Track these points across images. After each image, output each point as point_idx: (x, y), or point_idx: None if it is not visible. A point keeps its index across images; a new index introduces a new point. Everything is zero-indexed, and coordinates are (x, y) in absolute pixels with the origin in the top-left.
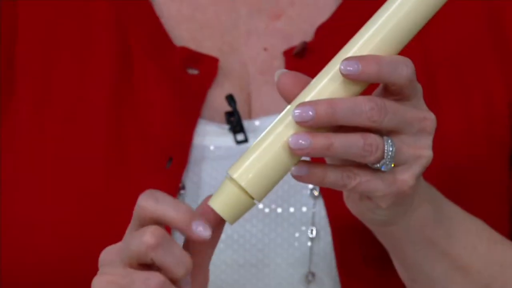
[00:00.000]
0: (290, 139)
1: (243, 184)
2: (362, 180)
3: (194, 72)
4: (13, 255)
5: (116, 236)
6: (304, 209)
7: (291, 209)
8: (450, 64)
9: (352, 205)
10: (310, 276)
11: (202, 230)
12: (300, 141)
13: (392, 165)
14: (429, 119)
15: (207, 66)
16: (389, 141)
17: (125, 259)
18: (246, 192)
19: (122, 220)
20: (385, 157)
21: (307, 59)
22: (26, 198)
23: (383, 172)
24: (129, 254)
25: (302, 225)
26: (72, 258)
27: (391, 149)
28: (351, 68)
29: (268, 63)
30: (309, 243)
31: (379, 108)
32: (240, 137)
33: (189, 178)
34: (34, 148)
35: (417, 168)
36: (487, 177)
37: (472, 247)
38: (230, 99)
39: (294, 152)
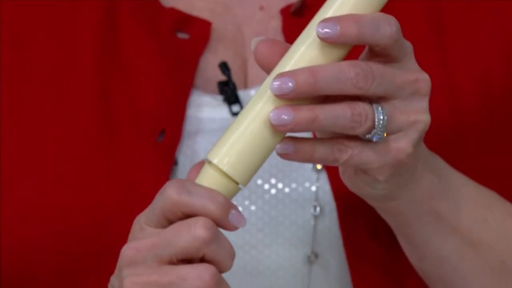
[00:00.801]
0: (271, 115)
1: (224, 168)
2: (354, 152)
3: (185, 36)
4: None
5: (107, 214)
6: (306, 184)
7: (293, 185)
8: (462, 16)
9: (349, 180)
10: (313, 257)
11: (238, 220)
12: (282, 116)
13: (385, 135)
14: (422, 80)
15: (199, 30)
16: (380, 108)
17: (164, 256)
18: (229, 177)
19: (111, 199)
20: (376, 126)
21: (306, 17)
22: (9, 178)
23: (376, 142)
24: (174, 250)
25: (305, 202)
26: (64, 238)
27: (382, 117)
28: (329, 30)
29: (265, 23)
30: (312, 221)
31: (365, 73)
32: (235, 108)
33: (183, 152)
34: (15, 125)
35: (413, 134)
36: (505, 140)
37: (483, 220)
38: (224, 67)
39: (276, 129)
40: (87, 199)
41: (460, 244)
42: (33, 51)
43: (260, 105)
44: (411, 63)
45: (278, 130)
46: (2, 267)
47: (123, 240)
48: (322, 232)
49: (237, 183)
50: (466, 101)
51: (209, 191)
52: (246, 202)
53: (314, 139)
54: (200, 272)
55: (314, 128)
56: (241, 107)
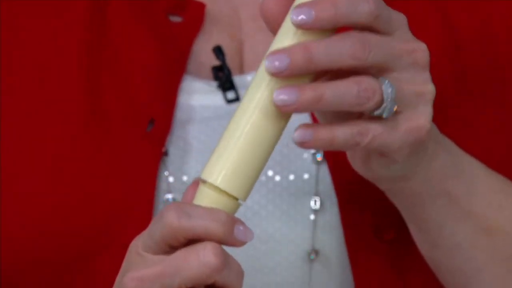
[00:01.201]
0: (274, 95)
1: (221, 186)
2: (375, 134)
3: (178, 19)
4: None
5: (95, 208)
6: (306, 176)
7: (291, 177)
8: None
9: (360, 166)
10: (314, 254)
11: (245, 235)
12: (286, 96)
13: (394, 109)
14: (420, 49)
15: (192, 12)
16: (386, 81)
17: (173, 285)
18: (227, 194)
19: (98, 193)
20: (385, 100)
21: None
22: None
23: (395, 121)
24: (183, 279)
25: (304, 195)
26: (55, 230)
27: (390, 90)
28: (304, 17)
29: None
30: (312, 216)
31: (362, 42)
32: (230, 95)
33: (173, 143)
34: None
35: (426, 107)
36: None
37: (497, 205)
38: (218, 51)
39: (280, 109)
40: (74, 193)
41: (473, 230)
42: (16, 35)
43: (258, 94)
44: (405, 34)
45: (282, 110)
46: (1, 265)
47: (112, 233)
48: (323, 227)
49: (236, 199)
50: (470, 65)
51: (209, 211)
52: None
53: (332, 124)
54: None
55: (319, 107)
56: (236, 94)
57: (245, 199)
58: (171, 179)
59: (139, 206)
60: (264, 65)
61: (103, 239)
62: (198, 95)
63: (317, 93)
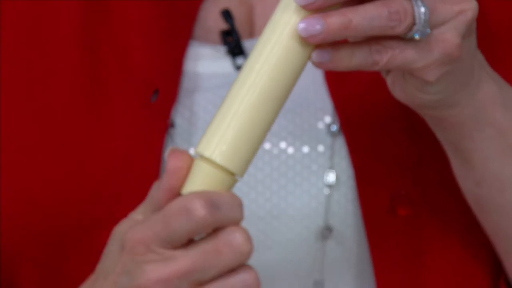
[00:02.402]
0: (299, 26)
1: (218, 160)
2: (395, 52)
3: None
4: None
5: (97, 182)
6: (320, 148)
7: (305, 149)
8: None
9: (400, 92)
10: (327, 231)
11: None
12: (312, 25)
13: (429, 30)
14: None
15: None
16: (419, 1)
17: (206, 279)
18: (226, 169)
19: (101, 166)
20: (417, 22)
21: None
22: None
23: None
24: (217, 271)
25: (318, 168)
26: (53, 207)
27: (422, 10)
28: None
29: None
30: (326, 190)
31: None
32: (240, 60)
33: (180, 113)
34: None
35: (460, 24)
36: None
37: None
38: (226, 14)
39: (307, 40)
40: (75, 167)
41: None
42: (15, 6)
43: (279, 29)
44: None
45: (309, 42)
46: (1, 238)
47: (114, 208)
48: (338, 202)
49: (233, 174)
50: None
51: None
52: (252, 169)
53: (351, 43)
54: (245, 277)
55: (348, 33)
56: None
57: (243, 175)
58: None
59: (144, 179)
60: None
61: (107, 212)
62: (205, 62)
63: (345, 19)
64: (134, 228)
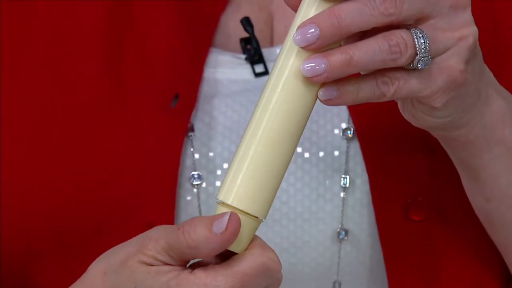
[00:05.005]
0: (302, 67)
1: (241, 207)
2: (400, 83)
3: None
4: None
5: (117, 185)
6: (336, 153)
7: (321, 154)
8: None
9: (409, 115)
10: (343, 234)
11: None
12: (314, 65)
13: (431, 59)
14: None
15: None
16: (418, 32)
17: None
18: (247, 213)
19: (122, 169)
20: (418, 52)
21: None
22: (11, 145)
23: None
24: None
25: (334, 172)
26: (76, 204)
27: (423, 41)
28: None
29: None
30: (342, 194)
31: None
32: (259, 68)
33: (199, 118)
34: (16, 88)
35: (462, 50)
36: None
37: None
38: (246, 22)
39: (311, 80)
40: (96, 169)
41: None
42: (37, 8)
43: (284, 75)
44: None
45: (314, 81)
46: (19, 237)
47: (135, 211)
48: (353, 206)
49: (257, 217)
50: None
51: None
52: None
53: (357, 77)
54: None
55: (351, 70)
56: (265, 67)
57: (265, 217)
58: (196, 155)
59: (163, 182)
60: (290, 39)
61: (125, 215)
62: (225, 69)
63: (346, 56)
64: None
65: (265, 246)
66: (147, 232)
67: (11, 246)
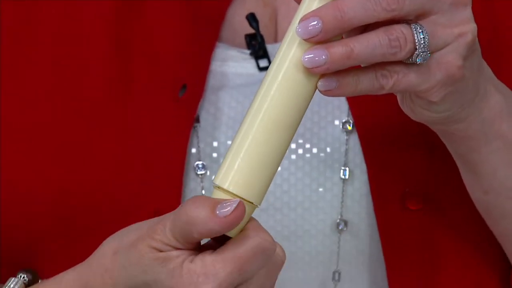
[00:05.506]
0: (303, 58)
1: (237, 192)
2: (399, 76)
3: None
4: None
5: (125, 174)
6: (336, 144)
7: (321, 144)
8: None
9: (408, 109)
10: (342, 223)
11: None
12: (315, 56)
13: (429, 54)
14: None
15: None
16: (418, 27)
17: None
18: (242, 199)
19: (129, 158)
20: (417, 47)
21: None
22: (21, 140)
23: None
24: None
25: (334, 163)
26: (84, 194)
27: (422, 36)
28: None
29: None
30: (341, 185)
31: None
32: (263, 63)
33: (205, 109)
34: (25, 83)
35: (460, 46)
36: None
37: None
38: (251, 18)
39: (311, 71)
40: (105, 158)
41: None
42: (43, 6)
43: (285, 64)
44: None
45: (314, 72)
46: (29, 226)
47: (143, 198)
48: (352, 196)
49: (251, 202)
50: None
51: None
52: None
53: (356, 69)
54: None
55: (351, 62)
56: (269, 62)
57: (260, 203)
58: (202, 144)
59: (170, 171)
60: (292, 30)
61: (133, 202)
62: (231, 63)
63: (347, 48)
64: (198, 281)
65: (258, 228)
66: (160, 216)
67: (17, 234)
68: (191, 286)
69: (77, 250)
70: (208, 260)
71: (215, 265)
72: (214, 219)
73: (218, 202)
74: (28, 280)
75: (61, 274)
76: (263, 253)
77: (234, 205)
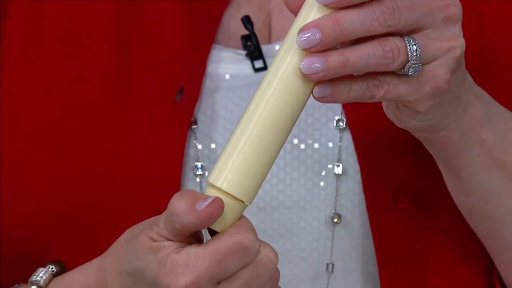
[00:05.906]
0: (301, 64)
1: (229, 190)
2: (390, 87)
3: None
4: (13, 197)
5: (122, 175)
6: (330, 144)
7: (316, 145)
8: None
9: (393, 116)
10: (336, 218)
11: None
12: (313, 64)
13: (420, 67)
14: (453, 4)
15: None
16: (411, 40)
17: None
18: (234, 197)
19: (126, 160)
20: (410, 59)
21: None
22: (22, 140)
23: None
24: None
25: (328, 163)
26: (82, 194)
27: (415, 48)
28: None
29: None
30: (335, 183)
31: (391, 9)
32: (258, 64)
33: (202, 111)
34: (27, 82)
35: (449, 60)
36: None
37: None
38: (247, 21)
39: (308, 77)
40: (105, 158)
41: (506, 177)
42: (46, 6)
43: (281, 70)
44: None
45: (311, 79)
46: (31, 227)
47: (142, 198)
48: (346, 194)
49: (243, 201)
50: (497, 58)
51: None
52: None
53: (349, 77)
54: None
55: (346, 71)
56: (264, 63)
57: (251, 202)
58: (199, 146)
59: (168, 172)
60: (290, 38)
61: (132, 202)
62: (226, 64)
63: (343, 58)
64: (179, 271)
65: (242, 225)
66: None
67: (17, 234)
68: (172, 275)
69: (77, 249)
70: (191, 252)
71: (196, 257)
72: (192, 212)
73: (199, 197)
74: (56, 271)
75: (87, 263)
76: (243, 250)
77: (210, 200)
